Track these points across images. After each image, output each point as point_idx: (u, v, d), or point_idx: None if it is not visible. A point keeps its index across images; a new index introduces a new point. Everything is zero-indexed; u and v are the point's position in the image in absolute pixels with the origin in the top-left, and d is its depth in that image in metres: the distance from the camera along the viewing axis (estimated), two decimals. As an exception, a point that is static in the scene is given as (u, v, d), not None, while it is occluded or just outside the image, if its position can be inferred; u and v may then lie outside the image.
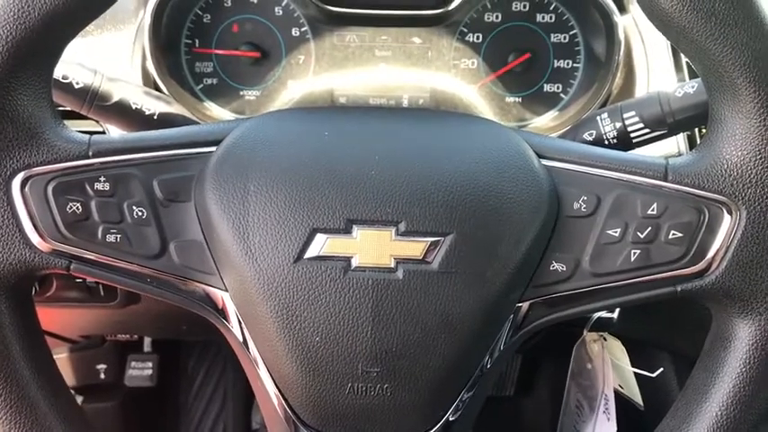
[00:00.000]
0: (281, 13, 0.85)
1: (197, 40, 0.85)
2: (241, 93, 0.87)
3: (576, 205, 0.57)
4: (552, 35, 0.85)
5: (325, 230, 0.54)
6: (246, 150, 0.56)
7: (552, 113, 0.87)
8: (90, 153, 0.55)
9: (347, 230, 0.54)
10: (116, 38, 0.81)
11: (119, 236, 0.55)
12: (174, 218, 0.56)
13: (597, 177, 0.57)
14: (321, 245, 0.54)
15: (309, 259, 0.54)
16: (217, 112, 0.86)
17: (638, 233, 0.56)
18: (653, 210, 0.56)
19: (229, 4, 0.85)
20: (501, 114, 0.87)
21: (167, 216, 0.56)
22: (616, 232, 0.56)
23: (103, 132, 0.77)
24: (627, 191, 0.56)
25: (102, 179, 0.55)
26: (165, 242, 0.56)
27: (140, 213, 0.56)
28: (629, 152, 0.63)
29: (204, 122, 0.79)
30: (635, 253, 0.56)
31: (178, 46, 0.85)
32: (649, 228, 0.56)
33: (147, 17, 0.79)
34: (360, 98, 0.87)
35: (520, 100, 0.87)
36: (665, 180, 0.56)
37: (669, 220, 0.56)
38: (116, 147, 0.56)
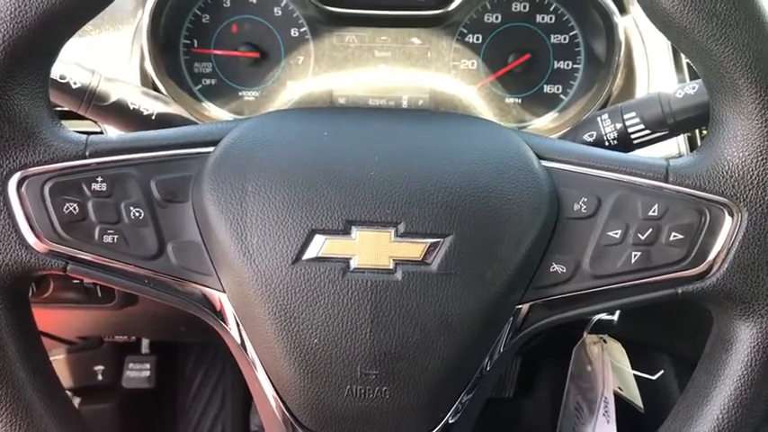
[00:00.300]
0: (280, 13, 0.85)
1: (196, 41, 0.85)
2: (240, 93, 0.87)
3: (576, 206, 0.56)
4: (552, 36, 0.85)
5: (323, 231, 0.53)
6: (245, 151, 0.56)
7: (552, 114, 0.87)
8: (87, 153, 0.55)
9: (346, 231, 0.53)
10: (114, 38, 0.81)
11: (116, 236, 0.55)
12: (171, 218, 0.56)
13: (597, 178, 0.56)
14: (320, 246, 0.53)
15: (308, 260, 0.53)
16: (215, 112, 0.86)
17: (639, 235, 0.56)
18: (654, 211, 0.55)
19: (228, 4, 0.84)
20: (501, 115, 0.87)
21: (165, 217, 0.56)
22: (616, 234, 0.56)
23: (101, 133, 0.77)
24: (627, 192, 0.56)
25: (100, 179, 0.55)
26: (162, 243, 0.56)
27: (138, 214, 0.55)
28: (630, 153, 0.63)
29: (202, 123, 0.79)
30: (635, 255, 0.56)
31: (177, 46, 0.85)
32: (650, 229, 0.56)
33: (145, 17, 0.79)
34: (359, 99, 0.86)
35: (520, 101, 0.87)
36: (666, 181, 0.55)
37: (670, 222, 0.55)
38: (113, 147, 0.55)
